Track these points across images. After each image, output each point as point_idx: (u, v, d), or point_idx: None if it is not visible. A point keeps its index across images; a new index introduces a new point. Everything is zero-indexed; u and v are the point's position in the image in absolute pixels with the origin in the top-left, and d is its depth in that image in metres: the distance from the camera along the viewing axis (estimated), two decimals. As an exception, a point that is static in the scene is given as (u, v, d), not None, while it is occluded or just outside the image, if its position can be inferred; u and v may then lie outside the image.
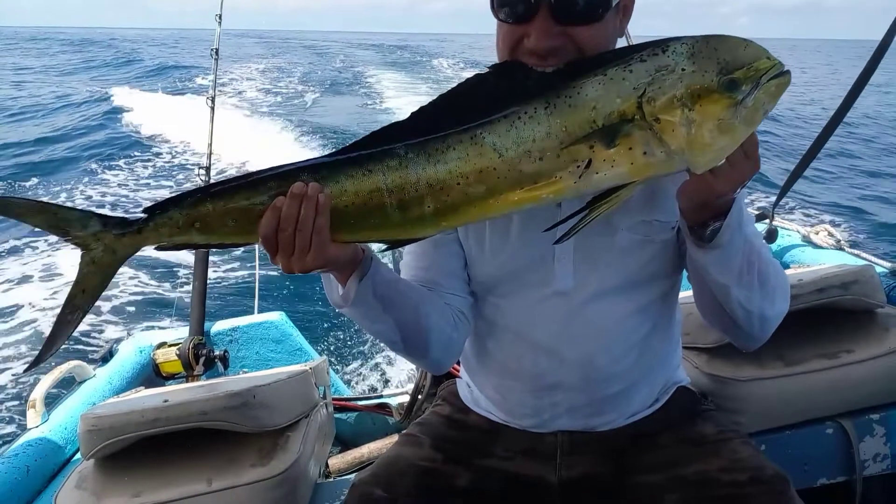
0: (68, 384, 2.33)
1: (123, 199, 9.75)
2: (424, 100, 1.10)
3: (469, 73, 1.11)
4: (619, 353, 1.40)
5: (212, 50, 3.33)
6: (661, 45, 1.01)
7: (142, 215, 1.08)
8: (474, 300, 1.46)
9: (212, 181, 3.01)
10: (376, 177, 1.04)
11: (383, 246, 1.15)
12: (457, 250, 1.42)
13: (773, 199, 2.93)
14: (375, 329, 1.33)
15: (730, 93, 0.98)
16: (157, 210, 1.08)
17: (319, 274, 1.20)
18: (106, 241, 1.08)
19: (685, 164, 1.02)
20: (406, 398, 2.49)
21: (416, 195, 1.04)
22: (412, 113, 1.07)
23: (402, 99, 19.64)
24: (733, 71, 0.98)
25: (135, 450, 1.68)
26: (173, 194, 1.12)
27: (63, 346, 1.12)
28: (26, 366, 1.17)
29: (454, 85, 1.07)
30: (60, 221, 1.08)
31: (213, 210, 1.07)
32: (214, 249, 1.22)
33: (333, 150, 1.13)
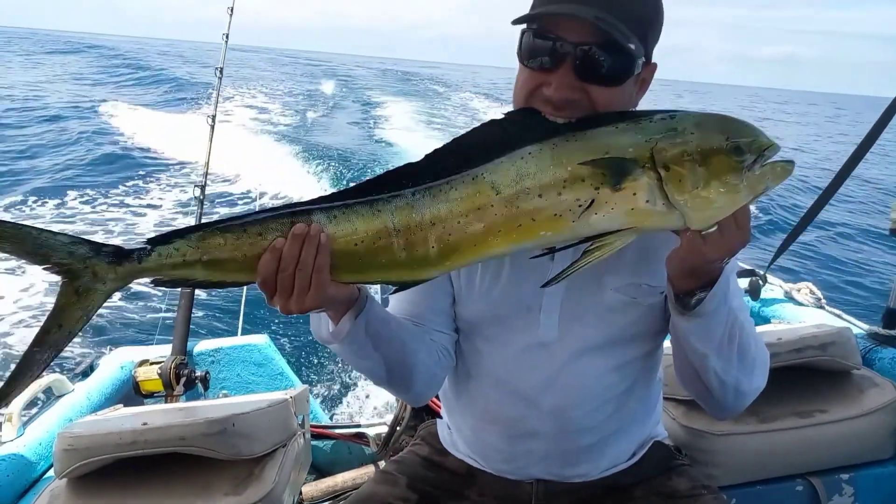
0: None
1: (109, 223, 9.20)
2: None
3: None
4: (594, 407, 1.41)
5: (216, 69, 3.30)
6: (669, 113, 1.06)
7: (143, 245, 1.05)
8: (458, 337, 1.48)
9: (204, 197, 3.02)
10: (385, 216, 1.07)
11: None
12: (447, 287, 1.43)
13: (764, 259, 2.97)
14: (363, 365, 1.33)
15: (737, 157, 1.02)
16: (161, 241, 1.05)
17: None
18: (96, 269, 1.00)
19: (682, 220, 1.04)
20: (384, 429, 2.49)
21: (421, 234, 1.07)
22: (426, 155, 1.10)
23: (407, 133, 19.30)
24: (737, 140, 1.03)
25: (109, 470, 1.66)
26: (176, 228, 1.09)
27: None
28: None
29: (468, 130, 1.11)
30: (39, 248, 0.98)
31: (224, 243, 1.06)
32: (212, 289, 1.18)
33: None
